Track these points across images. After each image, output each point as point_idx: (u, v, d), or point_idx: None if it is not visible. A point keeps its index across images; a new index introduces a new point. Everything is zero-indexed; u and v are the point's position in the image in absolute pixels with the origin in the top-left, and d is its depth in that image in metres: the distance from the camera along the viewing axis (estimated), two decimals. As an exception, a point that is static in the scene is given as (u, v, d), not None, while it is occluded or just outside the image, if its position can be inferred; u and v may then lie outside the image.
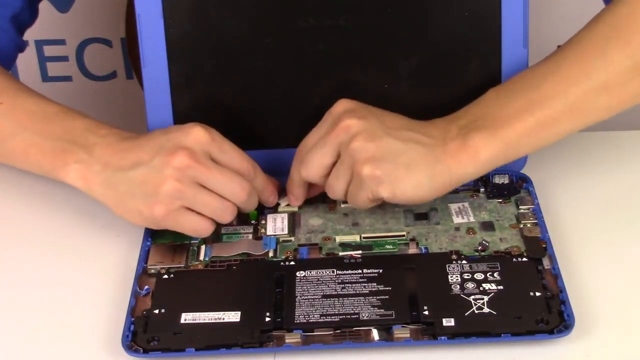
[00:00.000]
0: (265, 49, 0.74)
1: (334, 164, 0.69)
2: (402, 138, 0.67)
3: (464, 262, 0.68)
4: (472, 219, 0.72)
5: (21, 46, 0.82)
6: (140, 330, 0.64)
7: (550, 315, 0.63)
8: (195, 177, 0.68)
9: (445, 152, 0.67)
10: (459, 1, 0.73)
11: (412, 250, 0.70)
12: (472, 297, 0.65)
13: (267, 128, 0.76)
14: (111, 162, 0.70)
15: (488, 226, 0.71)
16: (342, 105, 0.69)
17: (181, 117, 0.75)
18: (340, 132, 0.68)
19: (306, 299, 0.65)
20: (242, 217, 0.73)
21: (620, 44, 0.67)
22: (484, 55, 0.74)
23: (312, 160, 0.69)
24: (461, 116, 0.69)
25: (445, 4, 0.73)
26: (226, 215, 0.70)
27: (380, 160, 0.67)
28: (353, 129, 0.67)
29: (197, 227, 0.69)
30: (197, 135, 0.68)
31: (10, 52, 0.81)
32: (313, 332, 0.63)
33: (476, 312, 0.63)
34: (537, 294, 0.64)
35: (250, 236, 0.72)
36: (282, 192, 0.74)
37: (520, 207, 0.73)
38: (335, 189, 0.69)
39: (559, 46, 0.72)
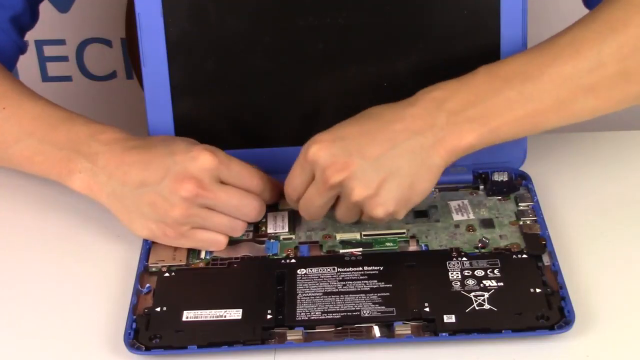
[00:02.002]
0: (265, 48, 0.73)
1: None
2: (394, 162, 0.65)
3: (464, 259, 0.68)
4: (471, 216, 0.72)
5: (22, 47, 0.82)
6: (142, 328, 0.64)
7: (551, 311, 0.63)
8: (204, 204, 0.68)
9: (434, 146, 0.66)
10: (459, 0, 0.72)
11: (413, 247, 0.70)
12: (473, 293, 0.64)
13: (267, 126, 0.75)
14: (115, 175, 0.69)
15: (488, 223, 0.71)
16: (320, 154, 0.65)
17: (182, 116, 0.74)
18: (334, 188, 0.66)
19: (307, 296, 0.65)
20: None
21: (614, 48, 0.67)
22: (483, 53, 0.73)
23: (314, 211, 0.68)
24: (448, 98, 0.67)
25: (444, 3, 0.73)
26: (237, 231, 0.70)
27: (387, 199, 0.66)
28: (346, 184, 0.65)
29: (209, 242, 0.69)
30: (204, 162, 0.67)
31: (12, 54, 0.81)
32: (314, 329, 0.63)
33: (477, 308, 0.63)
34: (537, 290, 0.64)
35: (251, 234, 0.72)
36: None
37: (519, 204, 0.73)
38: (348, 221, 0.69)
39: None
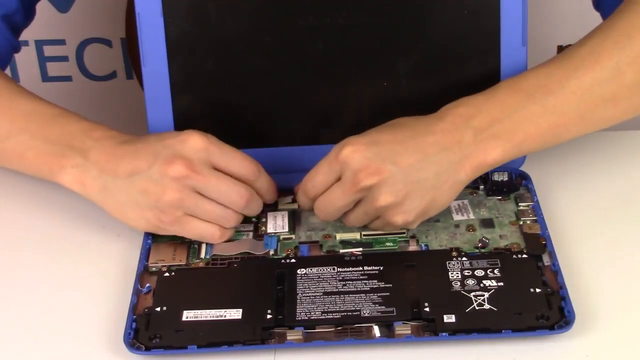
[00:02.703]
0: (265, 48, 0.73)
1: None
2: (423, 173, 0.66)
3: (464, 259, 0.67)
4: (471, 216, 0.71)
5: (16, 46, 0.81)
6: (142, 327, 0.63)
7: (551, 311, 0.62)
8: (194, 187, 0.67)
9: (462, 164, 0.67)
10: (459, 0, 0.72)
11: (413, 247, 0.69)
12: (473, 293, 0.64)
13: (267, 126, 0.75)
14: (107, 168, 0.68)
15: (488, 223, 0.71)
16: (354, 157, 0.65)
17: (181, 116, 0.74)
18: (362, 191, 0.66)
19: (307, 296, 0.65)
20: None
21: (632, 57, 0.68)
22: (483, 53, 0.73)
23: (332, 212, 0.68)
24: (475, 115, 0.67)
25: (444, 3, 0.72)
26: (230, 221, 0.69)
27: (410, 209, 0.66)
28: (375, 189, 0.65)
29: (203, 233, 0.69)
30: (195, 143, 0.67)
31: (5, 52, 0.80)
32: (314, 329, 0.63)
33: (477, 308, 0.63)
34: (537, 290, 0.64)
35: (251, 234, 0.71)
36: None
37: (519, 204, 0.72)
38: (358, 226, 0.69)
39: (559, 46, 0.71)
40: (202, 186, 0.67)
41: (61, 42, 1.19)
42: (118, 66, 1.21)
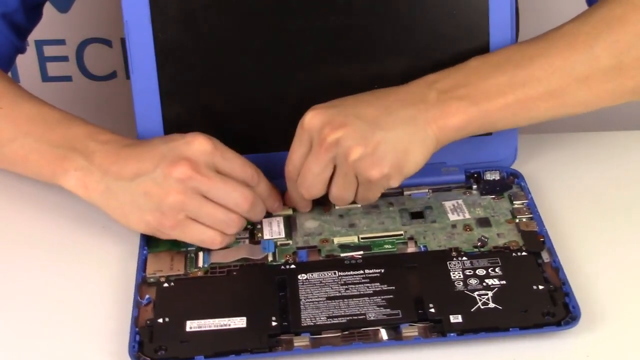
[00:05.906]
0: (255, 52, 0.66)
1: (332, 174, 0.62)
2: (389, 126, 0.61)
3: (464, 258, 0.61)
4: (467, 216, 0.65)
5: (19, 47, 0.75)
6: (146, 340, 0.57)
7: (556, 307, 0.57)
8: (197, 189, 0.61)
9: (427, 120, 0.61)
10: (448, 1, 0.66)
11: (411, 248, 0.63)
12: (476, 292, 0.58)
13: (259, 131, 0.68)
14: (111, 171, 0.63)
15: (484, 222, 0.64)
16: (316, 118, 0.61)
17: (171, 123, 0.67)
18: (331, 148, 0.60)
19: (311, 301, 0.58)
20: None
21: (609, 43, 0.62)
22: (472, 53, 0.66)
23: (313, 181, 0.62)
24: (439, 79, 0.63)
25: (434, 3, 0.66)
26: (231, 227, 0.63)
27: (383, 159, 0.60)
28: (343, 142, 0.60)
29: (203, 237, 0.62)
30: (200, 145, 0.61)
31: (7, 52, 0.74)
32: (321, 334, 0.56)
33: (482, 307, 0.57)
34: (540, 287, 0.58)
35: (247, 241, 0.65)
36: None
37: (514, 202, 0.66)
38: (344, 198, 0.63)
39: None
40: (205, 188, 0.61)
41: (61, 42, 1.12)
42: (118, 66, 1.14)
